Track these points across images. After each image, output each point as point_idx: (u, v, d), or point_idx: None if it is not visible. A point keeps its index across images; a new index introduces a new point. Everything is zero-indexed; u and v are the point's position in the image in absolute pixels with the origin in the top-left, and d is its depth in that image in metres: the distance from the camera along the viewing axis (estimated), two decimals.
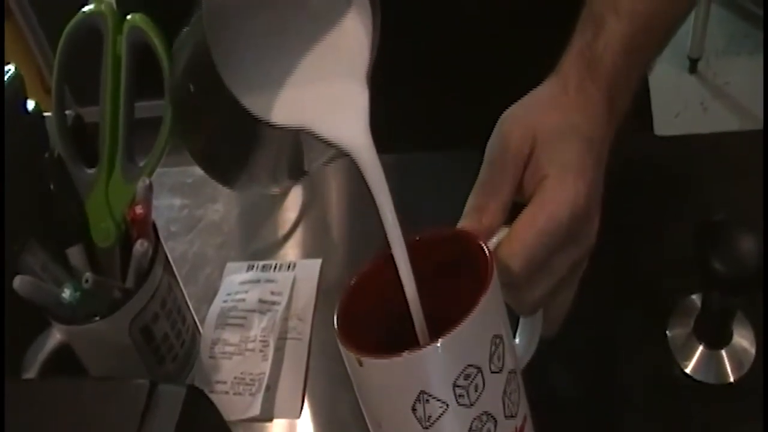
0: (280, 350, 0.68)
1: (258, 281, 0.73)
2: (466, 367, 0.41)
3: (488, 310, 0.42)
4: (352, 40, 0.43)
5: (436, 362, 0.41)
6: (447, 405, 0.41)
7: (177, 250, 0.77)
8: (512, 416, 0.44)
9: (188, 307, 0.68)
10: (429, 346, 0.40)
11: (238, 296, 0.72)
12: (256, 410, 0.64)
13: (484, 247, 0.44)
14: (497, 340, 0.42)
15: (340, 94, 0.43)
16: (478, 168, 0.52)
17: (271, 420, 0.64)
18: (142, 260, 0.59)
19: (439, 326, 0.45)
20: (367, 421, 0.46)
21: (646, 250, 0.69)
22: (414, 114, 0.80)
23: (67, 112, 0.65)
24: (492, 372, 0.42)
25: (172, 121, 0.55)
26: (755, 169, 0.71)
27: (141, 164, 0.62)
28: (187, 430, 0.49)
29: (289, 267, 0.74)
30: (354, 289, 0.46)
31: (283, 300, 0.71)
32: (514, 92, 0.54)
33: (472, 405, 0.42)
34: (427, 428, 0.42)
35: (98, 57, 0.61)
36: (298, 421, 0.64)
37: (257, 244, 0.77)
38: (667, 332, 0.62)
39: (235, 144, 0.46)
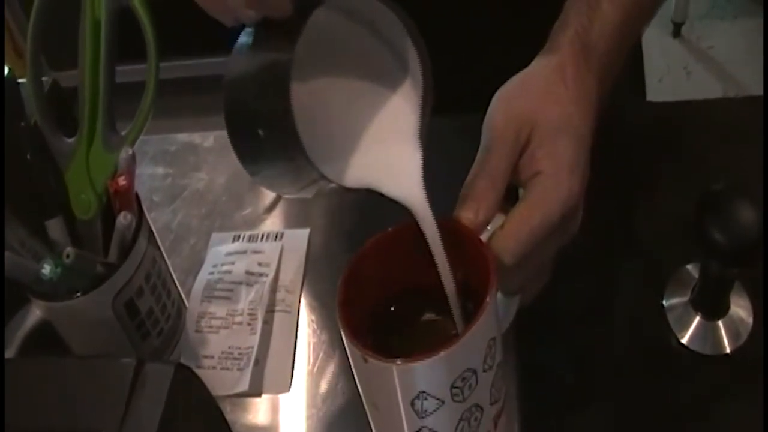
0: (268, 323, 0.66)
1: (245, 252, 0.71)
2: (463, 372, 0.44)
3: (487, 321, 0.44)
4: (406, 102, 0.48)
5: (437, 370, 0.43)
6: (443, 402, 0.44)
7: (160, 220, 0.76)
8: (496, 401, 0.47)
9: (173, 280, 0.66)
10: (432, 357, 0.42)
11: (224, 268, 0.70)
12: (244, 385, 0.63)
13: (489, 262, 0.46)
14: (492, 342, 0.45)
15: (397, 156, 0.47)
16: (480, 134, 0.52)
17: (260, 395, 0.63)
18: (125, 233, 0.58)
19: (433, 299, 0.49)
20: (364, 401, 0.48)
21: (643, 219, 0.68)
22: None
23: (43, 78, 0.62)
24: (484, 371, 0.45)
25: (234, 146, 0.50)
26: (747, 136, 0.71)
27: (123, 133, 0.60)
28: (175, 409, 0.47)
29: (276, 237, 0.72)
30: (351, 275, 0.47)
31: (271, 271, 0.69)
32: (517, 58, 0.55)
33: (464, 400, 0.45)
34: (422, 418, 0.45)
35: (76, 18, 0.58)
36: (288, 396, 0.63)
37: (243, 214, 0.76)
38: (664, 302, 0.62)
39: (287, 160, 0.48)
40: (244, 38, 0.47)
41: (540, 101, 0.52)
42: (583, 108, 0.53)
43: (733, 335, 0.59)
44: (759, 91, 0.76)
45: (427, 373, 0.43)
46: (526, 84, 0.54)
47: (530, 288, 0.53)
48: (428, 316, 0.51)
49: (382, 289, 0.49)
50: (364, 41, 0.48)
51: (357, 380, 0.47)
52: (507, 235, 0.49)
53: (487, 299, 0.44)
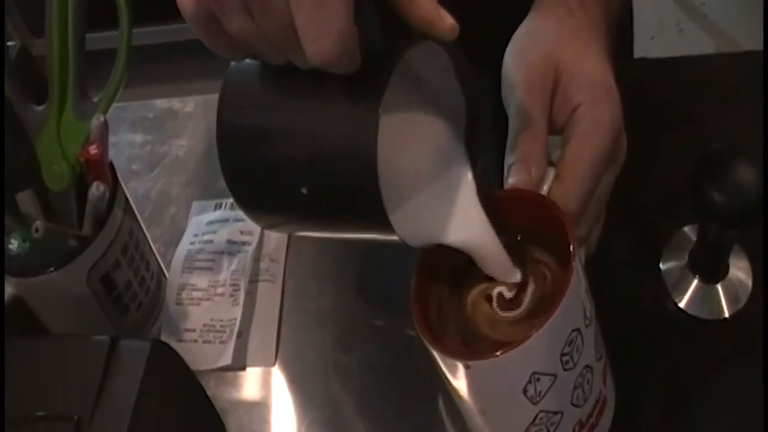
0: (251, 294, 0.65)
1: (227, 221, 0.69)
2: (570, 334, 0.41)
3: (579, 272, 0.42)
4: (454, 153, 0.45)
5: (544, 342, 0.40)
6: (555, 376, 0.41)
7: (139, 189, 0.74)
8: (601, 356, 0.45)
9: (152, 251, 0.65)
10: (537, 332, 0.40)
11: (206, 237, 0.68)
12: (227, 359, 0.61)
13: (562, 217, 0.44)
14: (586, 294, 0.43)
15: (459, 204, 0.45)
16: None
17: (244, 369, 0.62)
18: (98, 204, 0.55)
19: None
20: (469, 411, 0.45)
21: (638, 180, 0.66)
22: None
23: (10, 42, 0.59)
24: (586, 326, 0.43)
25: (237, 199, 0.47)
26: (745, 94, 0.69)
27: (95, 99, 0.57)
28: (152, 387, 0.46)
29: None
30: (419, 293, 0.45)
31: (254, 240, 0.67)
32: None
33: (575, 365, 0.42)
34: (536, 404, 0.42)
35: None
36: (273, 369, 0.61)
37: None
38: (661, 265, 0.60)
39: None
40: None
41: (554, 41, 0.51)
42: (596, 30, 0.52)
43: (732, 299, 0.58)
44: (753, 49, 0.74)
45: (534, 350, 0.40)
46: (533, 31, 0.53)
47: (593, 233, 0.51)
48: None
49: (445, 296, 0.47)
50: (429, 106, 0.45)
51: (460, 392, 0.44)
52: (565, 178, 0.47)
53: (573, 251, 0.42)
